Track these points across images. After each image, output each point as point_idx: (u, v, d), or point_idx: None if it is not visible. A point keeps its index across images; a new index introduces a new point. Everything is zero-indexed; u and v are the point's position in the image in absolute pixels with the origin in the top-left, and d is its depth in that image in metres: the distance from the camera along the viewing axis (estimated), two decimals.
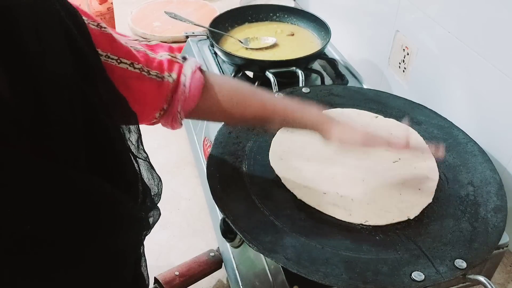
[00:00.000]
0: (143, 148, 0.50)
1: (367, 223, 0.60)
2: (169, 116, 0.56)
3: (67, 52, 0.38)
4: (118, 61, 0.49)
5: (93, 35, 0.43)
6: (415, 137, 0.75)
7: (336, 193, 0.64)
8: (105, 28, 0.48)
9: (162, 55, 0.55)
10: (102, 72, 0.44)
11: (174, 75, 0.54)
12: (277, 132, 0.75)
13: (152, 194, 0.53)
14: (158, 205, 0.55)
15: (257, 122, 0.63)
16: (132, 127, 0.48)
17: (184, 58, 0.57)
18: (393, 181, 0.66)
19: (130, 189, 0.47)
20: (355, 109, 0.80)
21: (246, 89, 0.62)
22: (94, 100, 0.40)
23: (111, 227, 0.43)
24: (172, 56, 0.55)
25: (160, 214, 0.55)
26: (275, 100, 0.63)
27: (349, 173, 0.67)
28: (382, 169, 0.68)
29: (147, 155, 0.50)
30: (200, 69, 0.58)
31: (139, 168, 0.49)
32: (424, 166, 0.69)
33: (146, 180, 0.51)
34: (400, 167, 0.69)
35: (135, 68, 0.51)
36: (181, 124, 0.59)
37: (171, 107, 0.55)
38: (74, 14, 0.41)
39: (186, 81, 0.55)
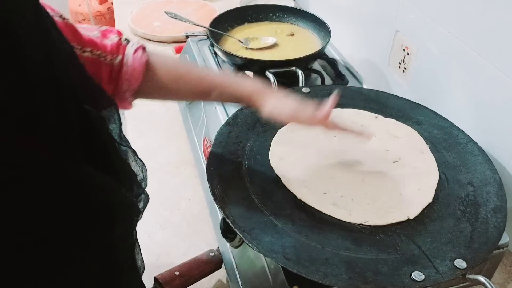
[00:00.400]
0: (124, 135, 0.52)
1: (367, 223, 0.60)
2: (117, 97, 0.59)
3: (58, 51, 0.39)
4: (82, 50, 0.52)
5: (59, 27, 0.44)
6: (415, 136, 0.75)
7: (336, 193, 0.64)
8: (67, 19, 0.50)
9: (113, 39, 0.58)
10: (81, 66, 0.45)
11: (119, 57, 0.58)
12: (277, 132, 0.75)
13: (138, 180, 0.54)
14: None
15: (197, 97, 0.68)
16: (115, 116, 0.50)
17: (127, 40, 0.61)
18: (393, 181, 0.66)
19: (119, 177, 0.47)
20: (355, 109, 0.80)
21: (185, 66, 0.66)
22: (79, 93, 0.41)
23: (108, 218, 0.44)
24: (120, 39, 0.59)
25: (148, 198, 0.56)
26: (212, 74, 0.66)
27: (349, 173, 0.67)
28: (382, 169, 0.68)
29: (128, 141, 0.52)
30: (143, 49, 0.61)
31: (124, 156, 0.51)
32: (424, 166, 0.69)
33: (131, 166, 0.52)
34: (400, 167, 0.69)
35: (94, 54, 0.54)
36: (131, 105, 0.62)
37: (118, 88, 0.58)
38: (45, 11, 0.42)
39: (128, 60, 0.58)
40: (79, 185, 0.39)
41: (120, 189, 0.46)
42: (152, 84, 0.62)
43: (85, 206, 0.40)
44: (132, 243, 0.54)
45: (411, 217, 0.61)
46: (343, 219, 0.61)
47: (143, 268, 0.59)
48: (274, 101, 0.62)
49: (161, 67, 0.62)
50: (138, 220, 0.54)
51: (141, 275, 0.58)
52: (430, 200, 0.64)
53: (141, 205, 0.54)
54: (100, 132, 0.45)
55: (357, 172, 0.68)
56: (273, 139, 0.73)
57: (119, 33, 0.60)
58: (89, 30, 0.56)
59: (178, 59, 0.67)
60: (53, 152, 0.36)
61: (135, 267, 0.56)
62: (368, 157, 0.70)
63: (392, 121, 0.78)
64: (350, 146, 0.72)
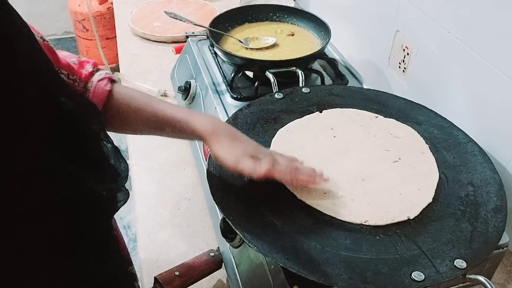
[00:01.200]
0: (107, 133, 0.54)
1: (367, 223, 0.60)
2: None
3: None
4: (60, 71, 0.56)
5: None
6: (415, 136, 0.75)
7: (336, 193, 0.64)
8: (47, 41, 0.53)
9: (88, 69, 0.62)
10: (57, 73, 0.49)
11: (85, 84, 0.62)
12: (277, 132, 0.75)
13: (120, 176, 0.55)
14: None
15: (153, 130, 0.68)
16: (96, 114, 0.53)
17: (97, 69, 0.63)
18: (393, 181, 0.66)
19: (98, 171, 0.49)
20: (355, 109, 0.80)
21: (142, 100, 0.66)
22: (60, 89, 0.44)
23: (78, 207, 0.45)
24: (93, 69, 0.62)
25: (128, 194, 0.56)
26: (166, 110, 0.66)
27: (349, 173, 0.67)
28: (382, 169, 0.68)
29: (110, 138, 0.54)
30: (111, 81, 0.64)
31: (106, 152, 0.53)
32: (424, 166, 0.69)
33: (113, 163, 0.54)
34: (400, 167, 0.69)
35: (70, 79, 0.58)
36: None
37: None
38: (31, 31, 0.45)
39: (91, 87, 0.61)
40: (43, 171, 0.40)
41: (89, 181, 0.47)
42: (111, 113, 0.64)
43: (50, 193, 0.41)
44: (105, 233, 0.55)
45: (411, 217, 0.61)
46: (343, 219, 0.61)
47: (124, 259, 0.62)
48: (220, 147, 0.62)
49: (123, 99, 0.64)
50: (113, 214, 0.55)
51: (123, 262, 0.61)
52: (430, 200, 0.64)
53: (120, 203, 0.55)
54: (82, 126, 0.47)
55: (357, 172, 0.68)
56: (273, 139, 0.73)
57: (95, 64, 0.63)
58: (68, 57, 0.60)
59: (141, 92, 0.69)
60: (18, 137, 0.38)
61: (111, 251, 0.57)
62: (368, 157, 0.70)
63: (392, 121, 0.78)
64: (350, 146, 0.72)
